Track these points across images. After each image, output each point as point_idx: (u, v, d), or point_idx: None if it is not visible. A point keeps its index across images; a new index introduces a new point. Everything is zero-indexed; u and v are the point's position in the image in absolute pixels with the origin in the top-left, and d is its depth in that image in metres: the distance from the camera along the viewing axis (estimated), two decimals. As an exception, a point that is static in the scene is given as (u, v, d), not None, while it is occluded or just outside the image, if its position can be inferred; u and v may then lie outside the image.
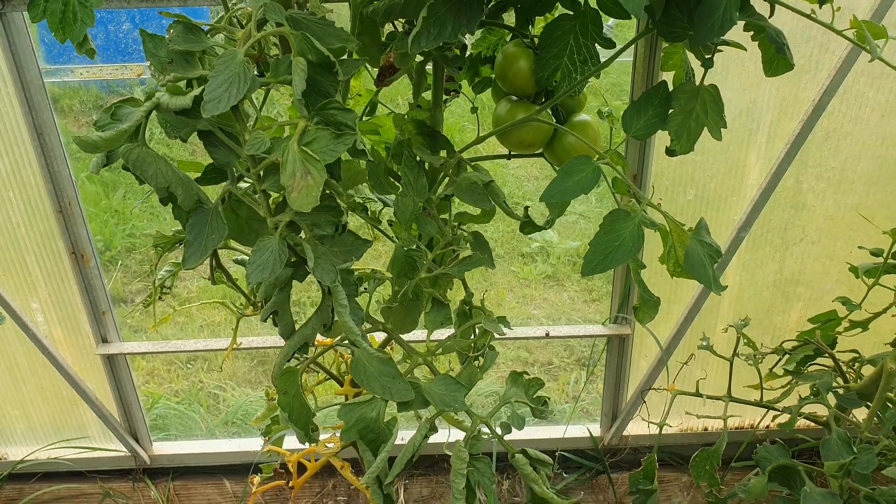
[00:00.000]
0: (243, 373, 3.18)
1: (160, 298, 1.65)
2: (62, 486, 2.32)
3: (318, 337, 1.39)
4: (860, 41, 1.18)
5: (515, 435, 2.25)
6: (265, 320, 1.28)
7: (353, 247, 1.18)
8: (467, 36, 1.35)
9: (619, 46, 1.25)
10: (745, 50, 1.26)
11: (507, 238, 4.03)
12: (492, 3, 1.29)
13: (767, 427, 2.14)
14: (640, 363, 2.21)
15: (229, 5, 1.22)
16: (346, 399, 1.68)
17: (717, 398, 1.86)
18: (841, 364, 1.85)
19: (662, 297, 1.43)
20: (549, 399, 1.47)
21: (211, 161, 1.14)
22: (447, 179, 1.36)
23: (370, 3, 1.19)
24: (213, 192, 1.14)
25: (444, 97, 1.42)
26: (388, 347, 1.64)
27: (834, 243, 2.03)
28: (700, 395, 1.87)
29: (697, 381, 1.93)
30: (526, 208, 1.44)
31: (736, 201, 1.93)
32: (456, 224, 1.41)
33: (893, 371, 1.64)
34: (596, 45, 1.23)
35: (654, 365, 2.16)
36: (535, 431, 2.41)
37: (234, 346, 1.81)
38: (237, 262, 1.59)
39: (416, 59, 1.34)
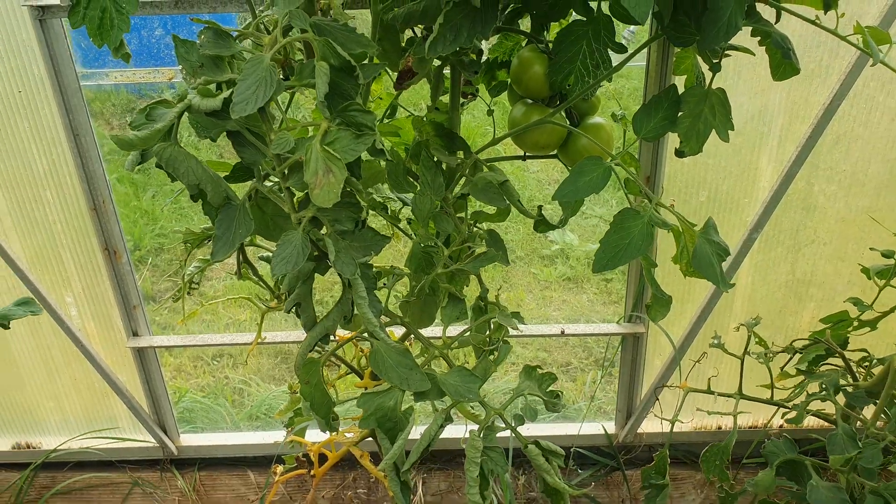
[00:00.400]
0: (267, 369, 3.26)
1: (189, 293, 1.72)
2: (93, 474, 2.40)
3: (339, 332, 1.44)
4: (864, 46, 1.21)
5: (532, 431, 2.31)
6: (289, 311, 1.33)
7: (373, 242, 1.23)
8: (483, 41, 1.40)
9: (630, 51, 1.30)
10: (754, 55, 1.29)
11: (527, 240, 4.07)
12: (507, 10, 1.33)
13: (780, 427, 2.18)
14: (654, 361, 2.25)
15: (256, 12, 1.29)
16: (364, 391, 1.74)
17: (729, 395, 1.90)
18: (851, 364, 1.88)
19: (675, 296, 1.48)
20: (561, 393, 1.51)
21: (238, 161, 1.20)
22: (464, 179, 1.41)
23: (390, 9, 1.24)
24: (239, 190, 1.21)
25: (462, 100, 1.48)
26: (407, 342, 1.69)
27: (845, 245, 2.06)
28: (712, 393, 1.91)
29: (709, 379, 1.96)
30: (539, 207, 1.49)
31: (748, 203, 1.97)
32: (472, 222, 1.46)
33: (902, 370, 1.67)
34: (608, 49, 1.27)
35: (668, 363, 2.20)
36: (550, 428, 2.45)
37: (259, 339, 1.88)
38: (262, 258, 1.65)
39: (434, 64, 1.39)
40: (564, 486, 1.40)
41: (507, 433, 1.44)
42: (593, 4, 1.28)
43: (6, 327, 1.48)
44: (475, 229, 1.46)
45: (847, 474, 1.64)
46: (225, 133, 1.14)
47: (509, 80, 1.43)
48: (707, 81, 1.28)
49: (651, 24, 1.39)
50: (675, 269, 1.41)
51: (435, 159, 1.37)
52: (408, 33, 1.34)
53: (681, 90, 1.28)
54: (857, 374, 1.88)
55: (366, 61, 1.22)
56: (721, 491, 1.89)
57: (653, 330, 2.18)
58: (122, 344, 2.18)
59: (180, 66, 1.16)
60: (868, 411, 1.86)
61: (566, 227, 1.70)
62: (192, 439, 2.44)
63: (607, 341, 2.46)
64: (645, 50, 1.65)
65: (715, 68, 1.27)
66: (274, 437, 2.42)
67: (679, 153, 1.30)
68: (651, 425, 2.36)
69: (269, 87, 1.02)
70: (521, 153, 1.45)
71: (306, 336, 1.34)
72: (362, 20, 1.44)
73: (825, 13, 1.21)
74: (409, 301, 1.49)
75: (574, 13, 1.32)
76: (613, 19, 1.27)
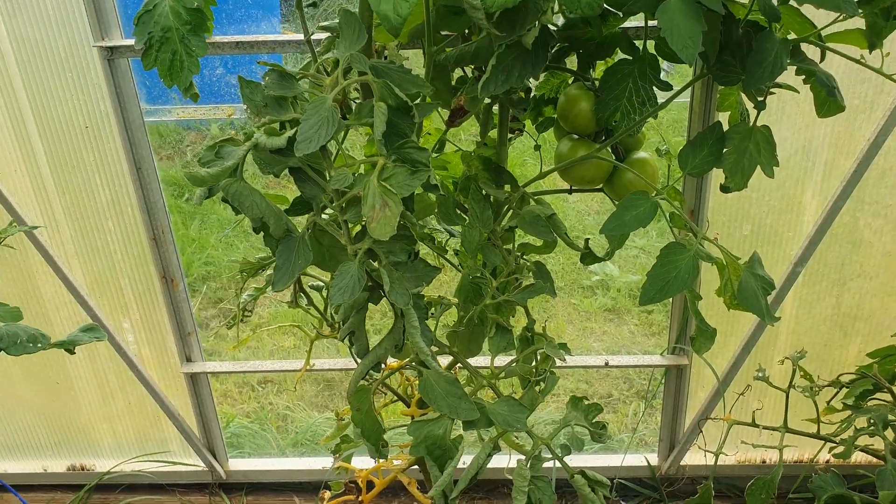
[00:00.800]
0: (310, 396, 3.30)
1: (243, 320, 1.78)
2: (143, 497, 2.46)
3: (389, 360, 1.48)
4: (908, 85, 1.23)
5: (575, 462, 2.31)
6: (343, 340, 1.38)
7: (424, 273, 1.27)
8: (531, 79, 1.45)
9: (676, 88, 1.33)
10: (798, 92, 1.32)
11: (568, 270, 4.09)
12: (555, 49, 1.38)
13: (827, 462, 2.15)
14: (698, 393, 2.25)
15: (316, 54, 1.35)
16: (413, 420, 1.77)
17: (774, 429, 1.89)
18: (900, 398, 1.86)
19: (719, 328, 1.49)
20: (607, 424, 1.53)
21: (297, 194, 1.25)
22: (511, 212, 1.44)
23: (443, 51, 1.30)
24: (297, 223, 1.26)
25: (509, 136, 1.52)
26: (453, 371, 1.72)
27: (892, 279, 2.04)
28: (756, 426, 1.91)
29: (754, 412, 1.96)
30: (586, 240, 1.52)
31: (792, 237, 1.98)
32: (519, 254, 1.49)
33: (952, 405, 1.66)
34: (653, 87, 1.30)
35: (712, 395, 2.20)
36: (594, 459, 2.46)
37: (308, 367, 1.92)
38: (312, 287, 1.70)
39: (484, 102, 1.43)
40: (610, 516, 1.41)
41: (550, 463, 1.46)
42: (639, 43, 1.33)
43: (72, 352, 1.55)
44: (521, 261, 1.49)
45: (896, 510, 1.62)
46: (287, 169, 1.19)
47: (556, 116, 1.47)
48: (751, 118, 1.30)
49: (696, 61, 1.43)
50: (718, 301, 1.43)
51: (483, 193, 1.41)
52: (458, 72, 1.39)
53: (725, 126, 1.31)
54: (906, 410, 1.86)
55: (419, 100, 1.27)
56: (767, 525, 1.87)
57: (696, 362, 2.18)
58: (175, 369, 2.24)
59: (245, 105, 1.22)
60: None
61: (607, 258, 1.72)
62: (241, 464, 2.49)
63: (650, 373, 2.46)
64: (689, 86, 1.68)
65: (760, 106, 1.30)
66: (319, 463, 2.46)
67: (724, 189, 1.33)
68: (694, 458, 2.35)
69: (331, 126, 1.08)
70: (566, 186, 1.48)
71: (359, 364, 1.38)
72: (414, 59, 1.50)
73: (870, 52, 1.23)
74: (458, 331, 1.52)
75: (620, 52, 1.36)
76: (658, 58, 1.31)
